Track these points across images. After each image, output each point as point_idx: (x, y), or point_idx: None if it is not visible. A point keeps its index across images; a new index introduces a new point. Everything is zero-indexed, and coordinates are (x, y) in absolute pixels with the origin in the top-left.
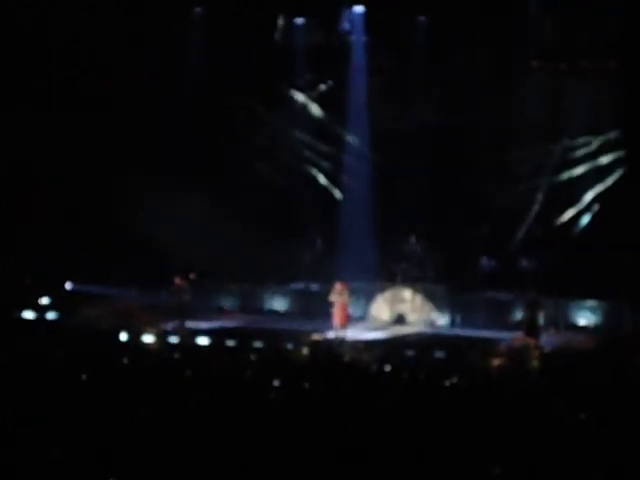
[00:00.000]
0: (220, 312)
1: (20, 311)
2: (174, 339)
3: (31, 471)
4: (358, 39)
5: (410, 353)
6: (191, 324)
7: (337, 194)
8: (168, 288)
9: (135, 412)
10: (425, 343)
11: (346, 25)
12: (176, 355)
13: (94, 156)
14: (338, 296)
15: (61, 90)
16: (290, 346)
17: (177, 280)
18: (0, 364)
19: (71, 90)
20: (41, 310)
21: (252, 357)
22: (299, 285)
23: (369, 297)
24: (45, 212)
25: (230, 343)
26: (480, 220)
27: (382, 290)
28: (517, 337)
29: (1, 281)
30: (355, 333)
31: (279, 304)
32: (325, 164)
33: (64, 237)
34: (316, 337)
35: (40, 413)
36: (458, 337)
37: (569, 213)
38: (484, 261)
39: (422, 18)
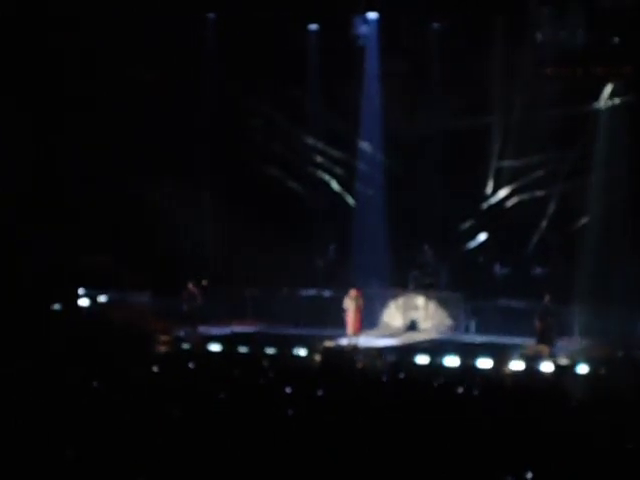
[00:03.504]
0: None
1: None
2: (186, 345)
3: (44, 472)
4: (372, 45)
5: (423, 360)
6: (203, 330)
7: (350, 200)
8: (181, 294)
9: (148, 418)
10: (438, 350)
11: (360, 31)
12: (188, 361)
13: (108, 159)
14: (352, 302)
15: (74, 91)
16: (303, 353)
17: (190, 286)
18: (11, 370)
19: (84, 91)
20: (53, 315)
21: (265, 363)
22: (312, 291)
23: (382, 304)
24: (59, 215)
25: (242, 349)
26: (493, 226)
27: (395, 297)
28: (530, 344)
29: (14, 285)
30: (368, 340)
31: (292, 310)
32: (338, 170)
33: (77, 242)
34: (329, 344)
35: (53, 417)
36: (471, 344)
37: (582, 220)
38: (497, 268)
39: (436, 24)
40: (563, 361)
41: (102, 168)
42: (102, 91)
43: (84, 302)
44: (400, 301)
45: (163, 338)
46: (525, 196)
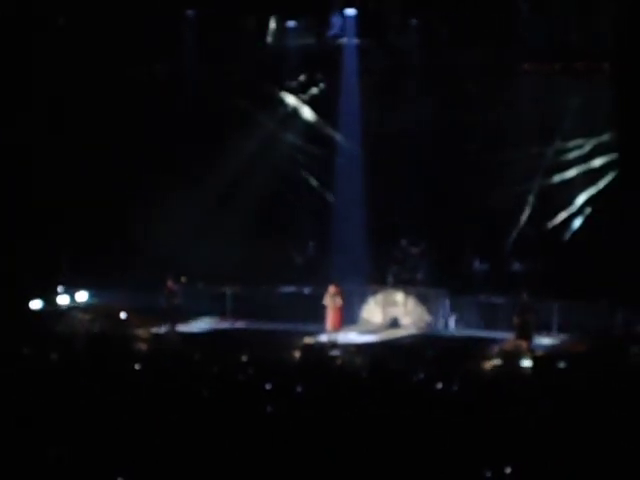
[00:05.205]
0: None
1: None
2: (165, 342)
3: (27, 471)
4: (350, 41)
5: (402, 356)
6: (183, 327)
7: (329, 197)
8: (160, 291)
9: (128, 416)
10: (417, 346)
11: (338, 27)
12: (167, 358)
13: (88, 157)
14: (331, 299)
15: (57, 90)
16: (282, 349)
17: (169, 283)
18: None
19: (65, 89)
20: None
21: (244, 360)
22: (291, 288)
23: (361, 300)
24: (39, 212)
25: (222, 346)
26: (472, 222)
27: (374, 293)
28: (509, 340)
29: None
30: (347, 336)
31: (271, 307)
32: (317, 166)
33: (56, 239)
34: (308, 340)
35: (35, 416)
36: (451, 340)
37: (561, 216)
38: (476, 264)
39: (414, 20)
40: (541, 356)
41: (83, 167)
42: (80, 88)
43: (64, 299)
44: (379, 297)
45: (142, 335)
46: (504, 191)
